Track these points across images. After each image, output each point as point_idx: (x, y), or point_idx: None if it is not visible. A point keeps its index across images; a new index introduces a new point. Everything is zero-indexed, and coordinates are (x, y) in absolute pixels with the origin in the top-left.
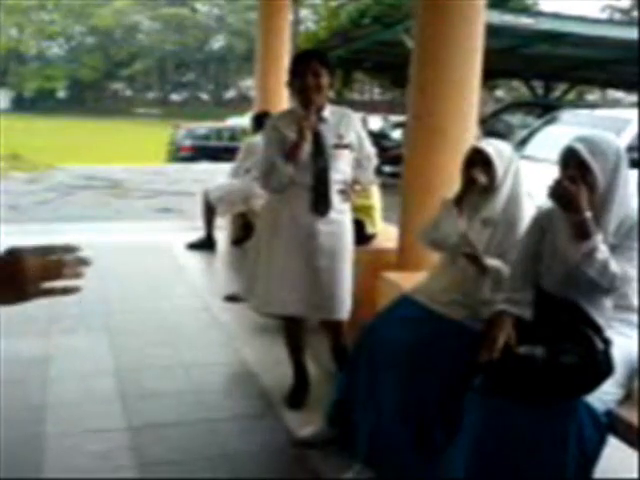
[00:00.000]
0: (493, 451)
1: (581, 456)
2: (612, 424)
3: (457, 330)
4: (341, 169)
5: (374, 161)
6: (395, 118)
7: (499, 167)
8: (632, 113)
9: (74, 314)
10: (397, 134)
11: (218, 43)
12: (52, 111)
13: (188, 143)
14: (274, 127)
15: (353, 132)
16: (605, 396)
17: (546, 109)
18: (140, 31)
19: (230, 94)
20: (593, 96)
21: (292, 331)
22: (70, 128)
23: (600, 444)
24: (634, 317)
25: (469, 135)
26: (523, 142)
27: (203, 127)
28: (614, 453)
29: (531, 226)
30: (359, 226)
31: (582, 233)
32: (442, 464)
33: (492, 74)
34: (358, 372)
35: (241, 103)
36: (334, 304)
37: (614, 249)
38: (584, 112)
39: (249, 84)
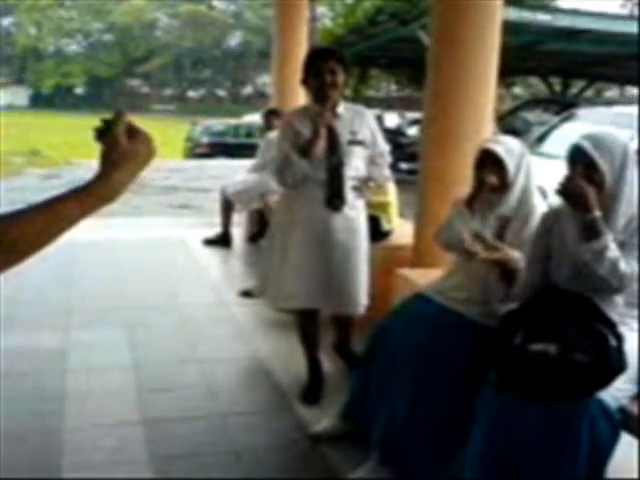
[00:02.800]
0: (506, 446)
1: (594, 452)
2: (625, 420)
3: (471, 327)
4: (355, 165)
5: (388, 158)
6: (411, 115)
7: (510, 165)
8: None
9: (91, 308)
10: (413, 131)
11: (235, 40)
12: (70, 108)
13: (205, 140)
14: (289, 123)
15: (367, 129)
16: (618, 392)
17: (564, 106)
18: (158, 28)
19: (247, 91)
20: (611, 93)
21: (306, 326)
22: (88, 125)
23: (613, 440)
24: None
25: (485, 134)
26: (540, 139)
27: (220, 124)
28: (629, 451)
29: (539, 226)
30: (375, 222)
31: (592, 232)
32: (455, 461)
33: (510, 71)
34: (373, 368)
35: (258, 100)
36: (346, 298)
37: (622, 247)
38: (601, 109)
39: (266, 81)
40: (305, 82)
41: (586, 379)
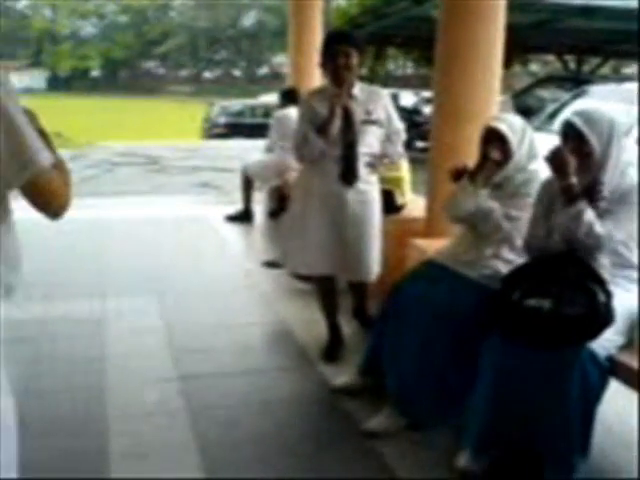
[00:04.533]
0: (508, 389)
1: (585, 395)
2: (613, 368)
3: (476, 288)
4: (368, 143)
5: (402, 136)
6: (426, 94)
7: (513, 141)
8: None
9: (124, 279)
10: (428, 109)
11: (250, 20)
12: (86, 90)
13: (222, 120)
14: (307, 103)
15: (381, 109)
16: (607, 343)
17: (578, 83)
18: (172, 9)
19: (263, 71)
20: (630, 69)
21: (325, 292)
22: (105, 107)
23: (602, 385)
24: (634, 274)
25: (492, 110)
26: (552, 116)
27: (237, 104)
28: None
29: (540, 189)
30: (389, 197)
31: (569, 197)
32: (461, 409)
33: (525, 48)
34: (387, 326)
35: (273, 80)
36: (360, 267)
37: (606, 213)
38: (611, 86)
39: (281, 60)
40: (322, 65)
41: (577, 331)
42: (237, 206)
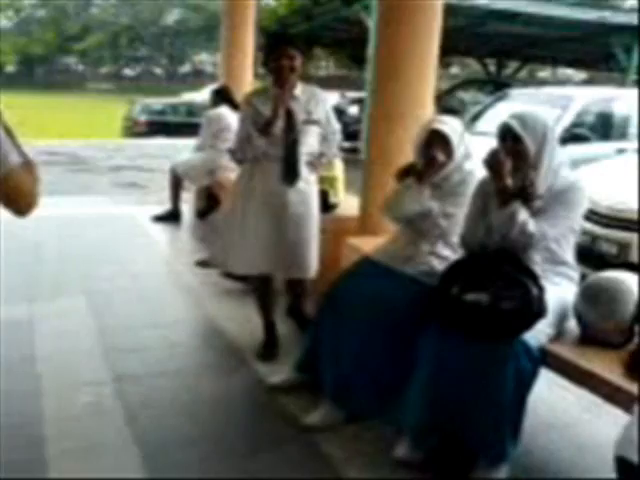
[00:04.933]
0: (445, 380)
1: (518, 384)
2: (544, 358)
3: (411, 283)
4: (309, 143)
5: (338, 136)
6: (352, 94)
7: (455, 142)
8: (575, 91)
9: (51, 281)
10: (354, 110)
11: (172, 17)
12: (1, 86)
13: (144, 118)
14: (249, 103)
15: (321, 109)
16: (539, 334)
17: (498, 86)
18: (94, 4)
19: (184, 69)
20: (544, 73)
21: (262, 291)
22: (21, 104)
23: (534, 374)
24: (565, 269)
25: (425, 111)
26: (475, 118)
27: (159, 102)
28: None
29: (476, 188)
30: (323, 196)
31: (504, 198)
32: (399, 400)
33: (447, 51)
34: (325, 323)
35: (195, 78)
36: (301, 264)
37: (540, 211)
38: (531, 90)
39: (204, 58)
40: (266, 65)
41: (512, 323)
42: (165, 206)
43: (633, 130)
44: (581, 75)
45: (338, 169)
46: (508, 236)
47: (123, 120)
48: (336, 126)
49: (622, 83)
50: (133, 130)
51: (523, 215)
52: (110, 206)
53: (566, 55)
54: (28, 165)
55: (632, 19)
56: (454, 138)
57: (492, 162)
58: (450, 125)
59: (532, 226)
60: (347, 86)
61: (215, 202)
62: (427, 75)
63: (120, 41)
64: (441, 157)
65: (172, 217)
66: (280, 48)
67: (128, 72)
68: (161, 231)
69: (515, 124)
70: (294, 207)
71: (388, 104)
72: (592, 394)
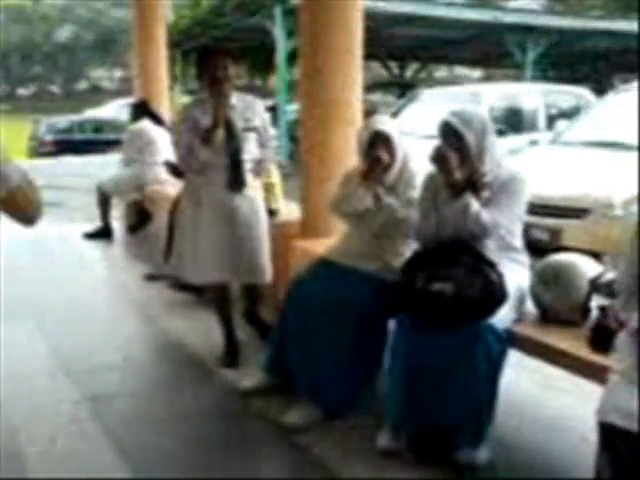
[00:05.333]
0: (419, 369)
1: (489, 365)
2: (510, 338)
3: (370, 280)
4: (250, 150)
5: (272, 142)
6: (268, 103)
7: (397, 142)
8: (481, 88)
9: None
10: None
11: (65, 34)
12: None
13: (50, 138)
14: (188, 115)
15: (258, 117)
16: (504, 317)
17: (403, 88)
18: None
19: (81, 86)
20: (441, 73)
21: (220, 299)
22: None
23: (502, 354)
24: (517, 255)
25: (356, 113)
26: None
27: (64, 120)
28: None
29: (424, 185)
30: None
31: (455, 191)
32: (371, 392)
33: None
34: (288, 325)
35: (93, 94)
36: (256, 269)
37: (489, 201)
38: (439, 90)
39: (100, 74)
40: (200, 77)
41: (477, 310)
42: (94, 223)
43: (541, 122)
44: (477, 73)
45: (275, 175)
46: (463, 227)
47: (29, 140)
48: (271, 132)
49: (519, 79)
50: (40, 150)
51: (476, 206)
52: (40, 227)
53: (464, 54)
54: (26, 176)
55: (523, 19)
56: (396, 137)
57: (439, 158)
58: (390, 125)
59: (485, 215)
60: (259, 96)
61: (146, 216)
62: (353, 79)
63: (10, 61)
64: (385, 156)
65: (104, 234)
66: (213, 59)
67: (23, 91)
68: (96, 248)
69: (455, 121)
70: (244, 213)
71: (320, 108)
72: (564, 371)
